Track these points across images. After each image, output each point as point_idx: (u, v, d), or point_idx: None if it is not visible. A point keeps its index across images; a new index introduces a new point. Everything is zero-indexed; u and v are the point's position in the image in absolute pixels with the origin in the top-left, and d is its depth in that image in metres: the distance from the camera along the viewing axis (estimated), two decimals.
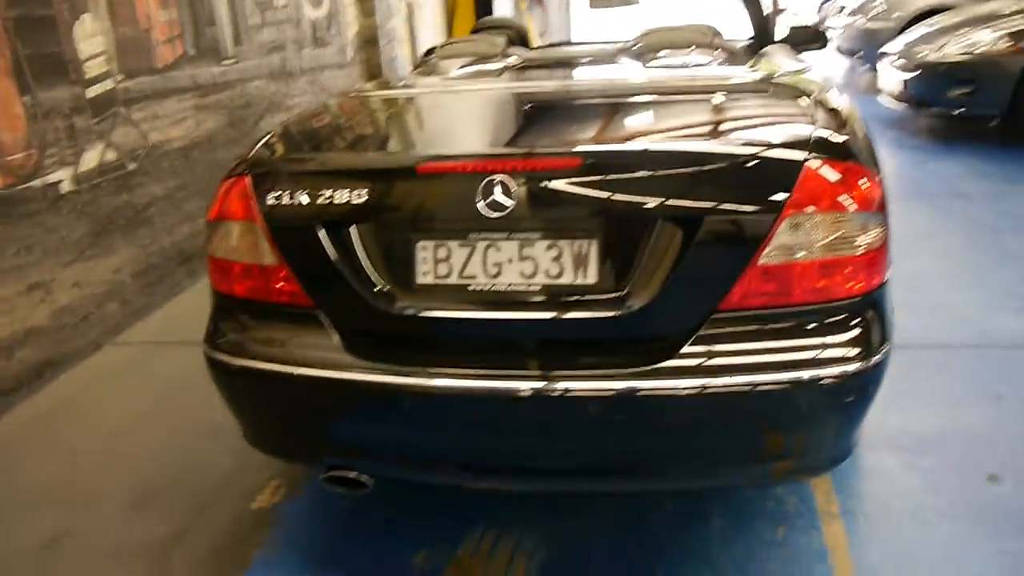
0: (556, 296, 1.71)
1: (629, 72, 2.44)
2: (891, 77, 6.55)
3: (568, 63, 2.78)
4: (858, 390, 1.67)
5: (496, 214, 1.67)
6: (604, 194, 1.67)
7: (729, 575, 1.98)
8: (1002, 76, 5.63)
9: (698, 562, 2.03)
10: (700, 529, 2.15)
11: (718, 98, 2.03)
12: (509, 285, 1.73)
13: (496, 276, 1.73)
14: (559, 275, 1.71)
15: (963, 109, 5.88)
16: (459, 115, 2.09)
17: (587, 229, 1.69)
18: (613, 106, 2.02)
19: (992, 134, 6.24)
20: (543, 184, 1.67)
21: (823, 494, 2.24)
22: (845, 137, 1.74)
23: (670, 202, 1.64)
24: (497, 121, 1.98)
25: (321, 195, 1.78)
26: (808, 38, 3.25)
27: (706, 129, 1.86)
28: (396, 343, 1.80)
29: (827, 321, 1.68)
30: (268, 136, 2.09)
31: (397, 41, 7.44)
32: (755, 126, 1.87)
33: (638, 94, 2.11)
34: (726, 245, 1.64)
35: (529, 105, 2.04)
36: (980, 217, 4.51)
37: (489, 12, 3.35)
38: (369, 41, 6.94)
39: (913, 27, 7.10)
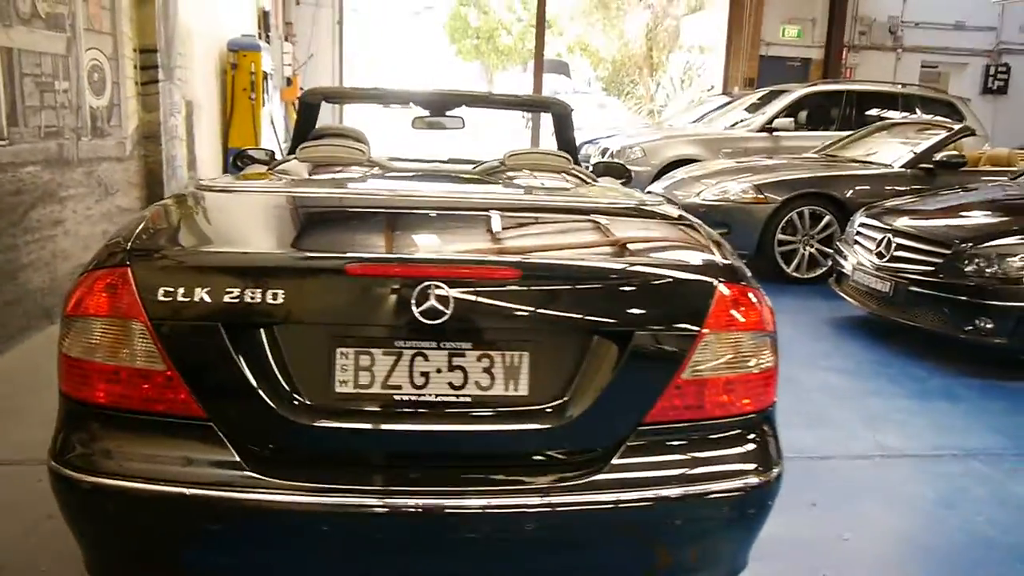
0: (487, 408, 1.67)
1: (518, 189, 2.49)
2: None
3: (446, 176, 2.80)
4: (766, 499, 1.77)
5: (432, 322, 1.61)
6: (539, 307, 1.68)
7: None
8: (751, 221, 6.50)
9: None
10: None
11: (620, 219, 2.14)
12: (437, 396, 1.66)
13: (423, 387, 1.66)
14: (489, 387, 1.67)
15: None
16: (363, 218, 2.01)
17: (521, 340, 1.68)
18: (523, 221, 2.05)
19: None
20: (480, 293, 1.65)
21: None
22: (740, 262, 1.91)
23: (602, 317, 1.69)
24: (407, 227, 1.92)
25: (227, 293, 1.62)
26: (614, 173, 3.53)
27: (622, 249, 1.94)
28: (307, 458, 1.64)
29: (735, 435, 1.78)
30: (142, 223, 1.87)
31: (178, 139, 7.07)
32: (665, 248, 1.99)
33: (543, 211, 2.16)
34: (654, 360, 1.71)
35: (435, 214, 2.02)
36: None
37: (313, 124, 3.27)
38: (149, 137, 6.51)
39: (668, 174, 8.02)
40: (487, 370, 1.67)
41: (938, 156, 6.69)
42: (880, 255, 4.90)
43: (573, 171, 2.67)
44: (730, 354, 1.75)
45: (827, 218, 6.60)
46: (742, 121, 9.73)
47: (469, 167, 2.95)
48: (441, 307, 1.61)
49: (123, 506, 1.61)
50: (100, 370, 1.66)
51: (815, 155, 7.93)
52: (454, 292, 1.62)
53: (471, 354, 1.67)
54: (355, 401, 1.65)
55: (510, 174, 2.61)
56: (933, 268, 4.56)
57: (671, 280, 1.77)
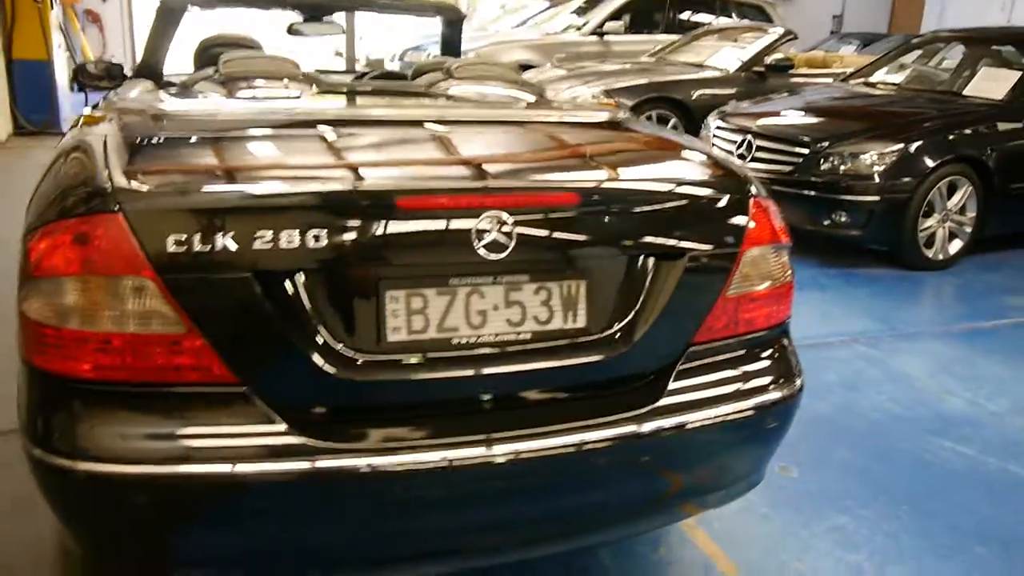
0: (547, 343, 1.57)
1: (516, 106, 2.29)
2: None
3: (406, 92, 2.52)
4: (794, 408, 1.82)
5: (493, 255, 1.47)
6: (595, 233, 1.59)
7: None
8: None
9: None
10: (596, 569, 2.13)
11: (630, 136, 2.04)
12: (496, 335, 1.54)
13: (480, 326, 1.53)
14: (548, 320, 1.57)
15: None
16: (379, 143, 1.77)
17: (577, 269, 1.58)
18: (545, 142, 1.90)
19: None
20: (539, 222, 1.52)
21: None
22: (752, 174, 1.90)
23: (654, 239, 1.63)
24: (435, 152, 1.73)
25: (255, 236, 1.38)
26: None
27: (654, 167, 1.86)
28: (361, 416, 1.47)
29: (767, 349, 1.81)
30: (121, 154, 1.51)
31: None
32: (691, 166, 1.92)
33: (558, 129, 2.01)
34: (702, 280, 1.68)
35: (457, 135, 1.80)
36: None
37: (172, 36, 2.81)
38: None
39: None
40: (545, 303, 1.56)
41: (768, 60, 7.08)
42: (742, 156, 5.15)
43: (524, 83, 2.52)
44: (763, 268, 1.75)
45: (672, 120, 6.83)
46: (572, 26, 9.72)
47: (417, 80, 2.68)
48: (503, 239, 1.48)
49: (151, 494, 1.38)
50: (84, 339, 1.38)
51: (650, 59, 8.12)
52: (515, 221, 1.48)
53: (528, 287, 1.55)
54: (410, 349, 1.49)
55: (483, 89, 2.42)
56: (793, 167, 4.86)
57: (714, 198, 1.72)
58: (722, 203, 1.72)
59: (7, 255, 1.83)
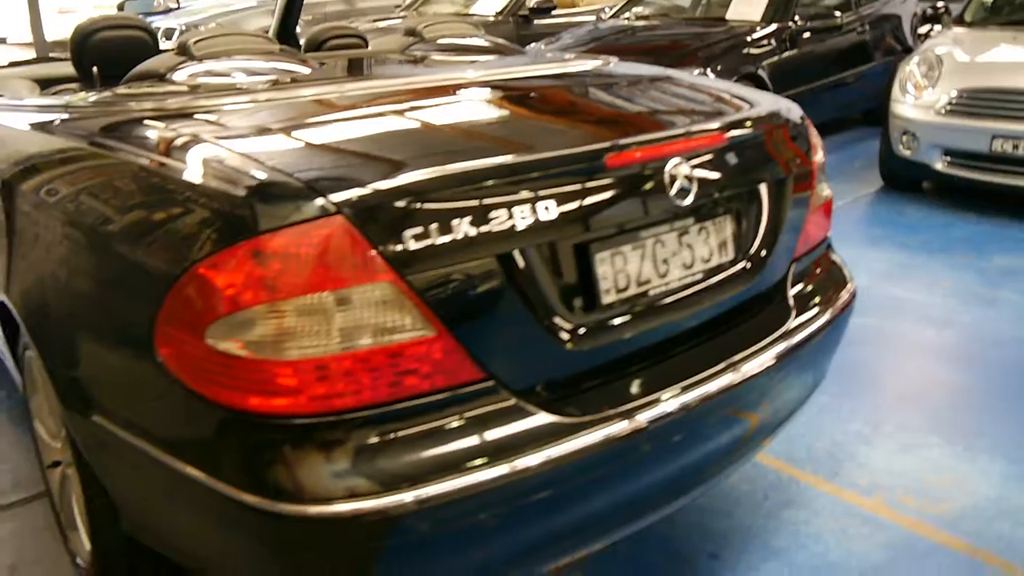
0: (712, 278, 1.64)
1: (554, 61, 2.27)
2: None
3: (414, 61, 2.31)
4: (854, 306, 2.04)
5: (683, 202, 1.51)
6: (734, 170, 1.67)
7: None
8: None
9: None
10: None
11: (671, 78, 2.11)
12: (680, 279, 1.59)
13: (665, 275, 1.56)
14: (709, 258, 1.64)
15: None
16: (499, 109, 1.72)
17: (724, 206, 1.66)
18: (626, 92, 1.93)
19: None
20: (704, 164, 1.57)
21: None
22: None
23: (769, 169, 1.75)
24: (574, 113, 1.75)
25: (488, 216, 1.29)
26: None
27: (729, 105, 1.93)
28: (595, 385, 1.45)
29: (829, 256, 2.02)
30: (274, 155, 1.35)
31: None
32: (747, 94, 2.02)
33: (617, 80, 2.02)
34: (799, 199, 1.83)
35: (531, 96, 1.76)
36: None
37: None
38: None
39: None
40: (706, 242, 1.63)
41: (531, 3, 7.34)
42: None
43: (489, 38, 2.46)
44: (820, 183, 1.94)
45: None
46: None
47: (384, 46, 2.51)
48: (687, 184, 1.51)
49: (428, 519, 1.25)
50: (322, 364, 1.22)
51: (404, 13, 8.04)
52: (692, 167, 1.53)
53: (693, 229, 1.60)
54: (620, 308, 1.48)
55: (473, 41, 2.35)
56: None
57: (794, 123, 1.87)
58: (797, 127, 1.88)
59: None
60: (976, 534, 2.03)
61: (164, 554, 1.58)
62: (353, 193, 1.23)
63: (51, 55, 4.30)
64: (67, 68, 3.06)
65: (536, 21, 7.31)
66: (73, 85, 2.46)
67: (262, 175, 1.27)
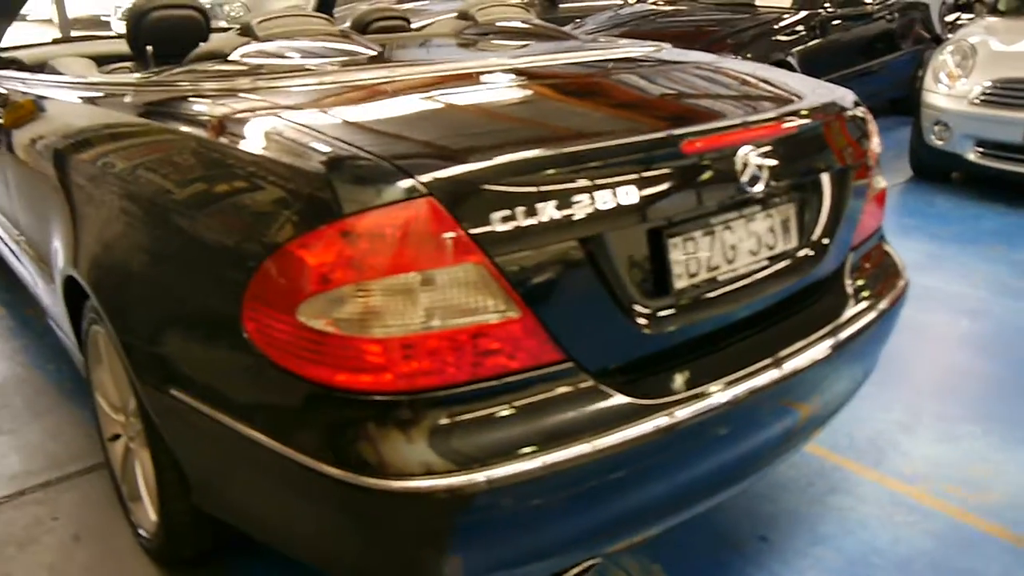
0: (776, 265, 1.66)
1: (605, 46, 2.28)
2: None
3: (470, 43, 2.33)
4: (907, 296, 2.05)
5: (753, 189, 1.52)
6: (799, 155, 1.68)
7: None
8: None
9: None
10: None
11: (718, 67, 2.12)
12: (747, 265, 1.60)
13: (733, 261, 1.58)
14: (774, 245, 1.65)
15: None
16: (575, 92, 1.74)
17: (787, 193, 1.68)
18: (681, 78, 1.92)
19: None
20: (773, 152, 1.59)
21: None
22: None
23: (830, 158, 1.76)
24: (641, 99, 1.76)
25: (572, 199, 1.31)
26: None
27: (785, 94, 1.94)
28: (668, 368, 1.48)
29: (883, 246, 2.03)
30: (384, 128, 1.42)
31: None
32: (802, 84, 2.03)
33: (669, 65, 2.02)
34: (858, 188, 1.84)
35: (598, 81, 1.77)
36: None
37: None
38: None
39: None
40: (770, 229, 1.64)
41: None
42: None
43: (540, 23, 2.48)
44: (877, 172, 1.95)
45: None
46: None
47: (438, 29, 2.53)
48: (759, 172, 1.53)
49: (509, 496, 1.28)
50: (412, 343, 1.24)
51: None
52: (760, 153, 1.54)
53: (759, 216, 1.62)
54: (692, 294, 1.51)
55: (520, 24, 2.37)
56: None
57: (853, 112, 1.88)
58: (857, 116, 1.89)
59: None
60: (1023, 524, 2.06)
61: (233, 525, 1.61)
62: (441, 174, 1.25)
63: (83, 33, 4.32)
64: (113, 46, 3.09)
65: (561, 5, 7.28)
66: (128, 64, 2.48)
67: (351, 155, 1.29)
